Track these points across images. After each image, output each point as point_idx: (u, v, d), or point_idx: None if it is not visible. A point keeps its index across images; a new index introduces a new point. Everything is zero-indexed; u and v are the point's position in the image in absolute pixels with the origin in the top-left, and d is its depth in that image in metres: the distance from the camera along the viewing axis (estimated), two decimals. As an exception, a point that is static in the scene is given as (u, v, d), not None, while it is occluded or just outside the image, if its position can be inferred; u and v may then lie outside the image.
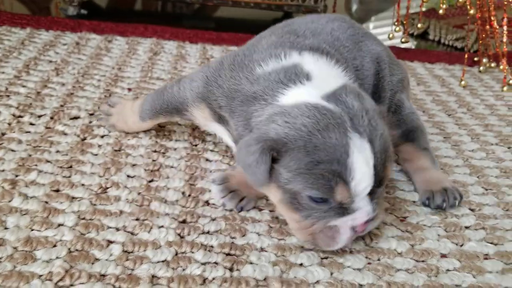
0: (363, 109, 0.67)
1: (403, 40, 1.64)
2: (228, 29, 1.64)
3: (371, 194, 0.66)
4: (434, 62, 1.60)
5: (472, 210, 0.86)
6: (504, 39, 1.39)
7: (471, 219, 0.83)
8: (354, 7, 2.69)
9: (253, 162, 0.64)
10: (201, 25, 1.74)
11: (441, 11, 1.50)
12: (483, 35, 1.50)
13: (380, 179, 0.67)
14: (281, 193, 0.67)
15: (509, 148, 1.09)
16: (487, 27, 1.48)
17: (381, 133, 0.67)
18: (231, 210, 0.78)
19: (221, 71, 0.78)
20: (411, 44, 1.93)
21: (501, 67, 1.42)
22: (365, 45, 0.89)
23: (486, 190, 0.92)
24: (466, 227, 0.81)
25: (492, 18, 1.40)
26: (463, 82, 1.42)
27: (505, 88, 1.42)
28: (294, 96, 0.69)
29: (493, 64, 1.53)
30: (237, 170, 0.80)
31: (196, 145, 0.95)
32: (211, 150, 0.94)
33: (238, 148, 0.69)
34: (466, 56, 1.44)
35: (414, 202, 0.87)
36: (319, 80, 0.71)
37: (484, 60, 1.53)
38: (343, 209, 0.65)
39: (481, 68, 1.54)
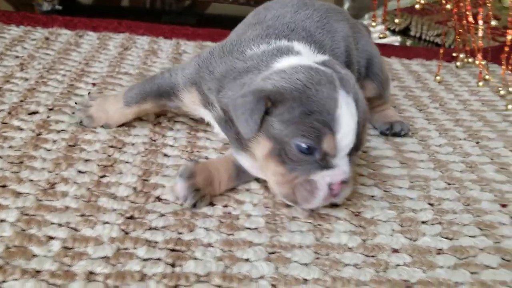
0: (349, 76, 0.74)
1: (381, 35, 1.63)
2: (216, 26, 1.62)
3: (349, 156, 0.72)
4: (412, 58, 1.58)
5: (431, 204, 0.85)
6: (480, 34, 1.37)
7: (428, 214, 0.82)
8: (347, 4, 2.68)
9: (247, 110, 0.68)
10: (190, 22, 1.74)
11: (417, 6, 1.49)
12: (460, 30, 1.49)
13: (358, 142, 0.72)
14: (271, 144, 0.71)
15: (477, 143, 1.08)
16: (464, 22, 1.46)
17: (363, 98, 0.74)
18: (181, 205, 0.77)
19: (212, 59, 0.83)
20: (393, 40, 1.92)
21: (477, 62, 1.40)
22: (331, 26, 0.94)
23: (449, 184, 0.91)
24: (423, 222, 0.80)
25: (468, 13, 1.39)
26: (438, 78, 1.41)
27: (480, 83, 1.40)
28: (288, 62, 0.75)
29: (470, 60, 1.51)
30: (201, 165, 0.79)
31: (155, 140, 0.93)
32: (171, 145, 0.92)
33: (233, 100, 0.72)
34: (441, 51, 1.42)
35: (372, 196, 0.85)
36: (309, 55, 0.79)
37: (462, 55, 1.52)
38: (325, 163, 0.70)
39: (458, 63, 1.53)
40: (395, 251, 0.73)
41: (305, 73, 0.71)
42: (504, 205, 0.87)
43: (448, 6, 1.46)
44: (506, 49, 1.33)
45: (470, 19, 1.39)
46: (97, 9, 1.95)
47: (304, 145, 0.68)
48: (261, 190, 0.82)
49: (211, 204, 0.78)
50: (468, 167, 0.98)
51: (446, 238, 0.77)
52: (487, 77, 1.41)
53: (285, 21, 0.89)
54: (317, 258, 0.70)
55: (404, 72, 1.46)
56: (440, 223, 0.80)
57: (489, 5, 1.36)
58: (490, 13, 1.39)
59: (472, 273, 0.70)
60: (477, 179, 0.94)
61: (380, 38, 1.63)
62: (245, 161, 0.79)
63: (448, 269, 0.71)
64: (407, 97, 1.28)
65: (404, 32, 1.99)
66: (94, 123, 0.93)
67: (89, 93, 1.03)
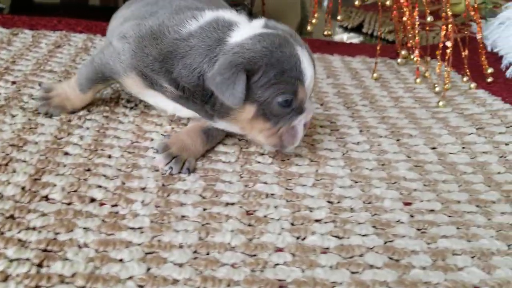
0: (292, 30, 0.86)
1: (325, 33, 1.62)
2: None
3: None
4: (355, 55, 1.58)
5: (330, 202, 0.84)
6: (416, 30, 1.37)
7: (323, 212, 0.81)
8: (325, 2, 2.67)
9: (230, 84, 0.77)
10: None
11: (357, 3, 1.48)
12: (400, 27, 1.48)
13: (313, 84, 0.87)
14: (255, 107, 0.82)
15: (397, 140, 1.07)
16: (404, 18, 1.45)
17: (307, 46, 0.87)
18: (172, 174, 0.86)
19: (144, 42, 0.87)
20: (344, 37, 1.91)
21: (415, 58, 1.40)
22: None
23: (356, 182, 0.90)
24: (316, 220, 0.79)
25: (405, 9, 1.38)
26: (375, 75, 1.40)
27: (418, 80, 1.40)
28: (239, 35, 0.83)
29: (412, 56, 1.50)
30: (173, 137, 0.91)
31: (60, 138, 0.92)
32: (74, 144, 0.91)
33: (212, 79, 0.79)
34: (378, 47, 1.41)
35: (272, 194, 0.84)
36: (246, 22, 0.87)
37: (403, 52, 1.51)
38: (299, 109, 0.84)
39: (399, 60, 1.52)
40: (279, 250, 0.72)
41: (266, 41, 0.81)
42: (407, 203, 0.86)
43: (388, 3, 1.45)
44: (441, 45, 1.32)
45: (407, 15, 1.38)
46: (63, 8, 1.92)
47: (285, 100, 0.81)
48: (156, 189, 0.81)
49: (100, 203, 0.77)
50: (381, 164, 0.97)
51: (336, 236, 0.76)
52: (426, 74, 1.40)
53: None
54: (195, 258, 0.69)
55: (343, 69, 1.45)
56: (333, 221, 0.79)
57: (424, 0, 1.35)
58: (427, 10, 1.38)
59: (353, 272, 0.69)
60: (386, 177, 0.93)
61: (325, 36, 1.63)
62: (224, 126, 0.89)
63: (329, 268, 0.70)
64: (338, 95, 1.27)
65: (359, 30, 1.98)
66: (62, 111, 0.99)
67: (39, 84, 1.08)
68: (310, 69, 0.84)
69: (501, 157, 1.03)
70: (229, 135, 0.97)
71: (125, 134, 0.96)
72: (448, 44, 1.25)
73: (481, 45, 1.35)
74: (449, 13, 1.25)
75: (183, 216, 0.76)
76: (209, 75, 0.81)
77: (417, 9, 1.36)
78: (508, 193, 0.91)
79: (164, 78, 0.87)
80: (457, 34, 1.39)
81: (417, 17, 1.36)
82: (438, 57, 1.35)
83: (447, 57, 1.30)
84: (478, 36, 1.34)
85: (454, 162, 1.00)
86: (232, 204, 0.81)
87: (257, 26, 0.86)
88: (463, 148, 1.05)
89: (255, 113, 0.83)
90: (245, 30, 0.84)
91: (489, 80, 1.38)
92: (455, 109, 1.23)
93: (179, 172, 0.86)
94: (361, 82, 1.37)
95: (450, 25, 1.25)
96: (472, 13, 1.30)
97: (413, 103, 1.27)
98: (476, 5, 1.34)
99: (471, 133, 1.11)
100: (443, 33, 1.29)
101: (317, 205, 0.83)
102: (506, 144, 1.07)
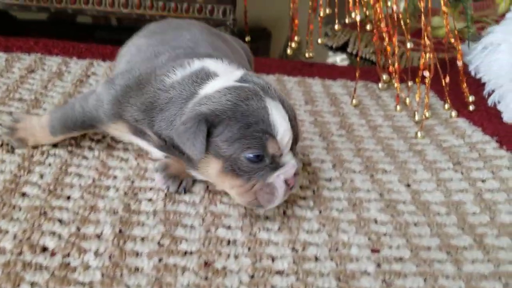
0: (267, 83, 0.82)
1: (306, 55, 1.60)
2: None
3: (291, 150, 0.81)
4: (337, 78, 1.55)
5: (295, 250, 0.81)
6: (395, 53, 1.34)
7: (285, 262, 0.78)
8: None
9: (191, 135, 0.75)
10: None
11: (336, 27, 1.46)
12: (381, 51, 1.45)
13: (296, 135, 0.82)
14: (221, 162, 0.78)
15: (371, 176, 1.04)
16: (385, 42, 1.42)
17: (285, 97, 0.83)
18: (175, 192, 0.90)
19: (130, 92, 0.86)
20: (337, 59, 1.88)
21: (395, 84, 1.37)
22: (226, 39, 1.10)
23: (324, 226, 0.87)
24: (278, 272, 0.76)
25: (384, 34, 1.35)
26: (354, 101, 1.37)
27: (398, 107, 1.37)
28: (211, 87, 0.81)
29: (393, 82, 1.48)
30: (172, 159, 0.92)
31: (19, 176, 0.89)
32: (34, 183, 0.88)
33: (176, 130, 0.78)
34: (357, 73, 1.38)
35: (235, 241, 0.81)
36: (226, 74, 0.84)
37: (385, 76, 1.48)
38: (275, 164, 0.78)
39: (380, 85, 1.49)
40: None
41: (232, 93, 0.78)
42: (375, 250, 0.83)
43: (368, 27, 1.43)
44: (420, 73, 1.29)
45: (386, 40, 1.35)
46: (50, 25, 1.88)
47: (252, 155, 0.76)
48: (112, 235, 0.78)
49: (52, 254, 0.74)
50: (352, 205, 0.94)
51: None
52: (407, 100, 1.38)
53: (187, 38, 0.98)
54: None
55: (322, 94, 1.42)
56: (296, 272, 0.76)
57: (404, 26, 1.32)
58: (408, 36, 1.36)
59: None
60: (356, 220, 0.90)
61: (306, 58, 1.60)
62: (201, 177, 0.87)
63: None
64: (315, 123, 1.24)
65: (344, 49, 1.95)
66: (23, 145, 0.96)
67: (11, 113, 1.06)
68: (282, 121, 0.78)
69: (477, 195, 1.01)
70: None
71: (87, 171, 0.93)
72: (426, 74, 1.22)
73: (461, 72, 1.32)
74: (427, 42, 1.22)
75: (136, 269, 0.73)
76: (175, 126, 0.80)
77: (395, 37, 1.33)
78: (481, 237, 0.89)
79: (147, 128, 0.85)
80: (440, 55, 1.36)
81: (396, 43, 1.33)
82: (418, 83, 1.31)
83: (426, 85, 1.27)
84: (459, 63, 1.31)
85: (428, 201, 0.98)
86: (191, 253, 0.78)
87: (232, 79, 0.83)
88: (438, 185, 1.03)
89: (222, 168, 0.78)
90: (218, 82, 0.82)
91: (471, 108, 1.35)
92: (433, 140, 1.20)
93: (177, 191, 0.90)
94: (340, 108, 1.34)
95: (427, 54, 1.22)
96: (452, 40, 1.27)
97: (391, 133, 1.24)
98: (456, 31, 1.31)
99: (448, 169, 1.08)
100: (422, 61, 1.26)
101: (280, 254, 0.80)
102: (483, 181, 1.05)
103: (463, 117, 1.33)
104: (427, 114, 1.31)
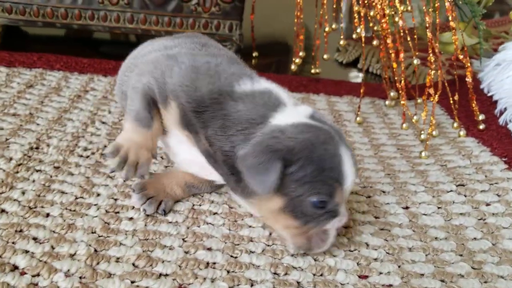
0: (338, 128, 0.80)
1: (312, 71, 1.56)
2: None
3: None
4: (343, 95, 1.50)
5: (276, 274, 0.77)
6: (402, 69, 1.29)
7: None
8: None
9: (262, 170, 0.70)
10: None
11: (342, 42, 1.42)
12: (388, 67, 1.41)
13: None
14: (284, 201, 0.74)
15: (368, 197, 0.99)
16: (392, 59, 1.38)
17: (351, 149, 0.79)
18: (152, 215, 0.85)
19: (198, 73, 0.82)
20: (343, 74, 1.84)
21: (401, 102, 1.32)
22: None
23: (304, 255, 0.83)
24: None
25: (391, 51, 1.31)
26: (358, 118, 1.33)
27: (404, 125, 1.32)
28: (283, 118, 0.76)
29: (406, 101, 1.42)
30: (154, 178, 0.89)
31: (1, 193, 0.87)
32: (14, 200, 0.86)
33: (242, 159, 0.73)
34: (362, 90, 1.34)
35: (214, 264, 0.77)
36: (291, 105, 0.81)
37: (392, 93, 1.43)
38: (334, 212, 0.75)
39: (387, 102, 1.44)
40: None
41: (311, 133, 0.74)
42: (363, 277, 0.79)
43: (374, 43, 1.39)
44: (427, 90, 1.24)
45: (392, 56, 1.31)
46: (67, 40, 1.89)
47: (320, 201, 0.73)
48: (85, 256, 0.75)
49: (21, 273, 0.71)
50: (343, 227, 0.89)
51: None
52: (415, 118, 1.32)
53: (216, 51, 0.95)
54: None
55: (325, 111, 1.38)
56: None
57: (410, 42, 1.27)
58: (416, 52, 1.31)
59: None
60: (346, 243, 0.85)
61: (312, 74, 1.57)
62: (245, 205, 0.84)
63: None
64: (314, 142, 1.20)
65: (355, 65, 1.90)
66: (145, 168, 0.83)
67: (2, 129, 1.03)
68: (351, 173, 0.75)
69: (479, 219, 0.95)
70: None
71: (71, 188, 0.91)
72: (431, 91, 1.17)
73: (470, 90, 1.26)
74: (432, 58, 1.17)
75: (109, 295, 0.70)
76: (241, 153, 0.74)
77: (402, 53, 1.28)
78: (480, 264, 0.83)
79: (199, 127, 0.80)
80: (456, 71, 1.31)
81: (403, 59, 1.29)
82: (424, 101, 1.26)
83: (433, 103, 1.22)
84: (468, 80, 1.25)
85: (426, 225, 0.92)
86: (166, 275, 0.74)
87: (303, 113, 0.79)
88: (439, 208, 0.97)
89: (283, 207, 0.74)
90: (290, 114, 0.78)
91: (481, 127, 1.29)
92: (438, 160, 1.15)
93: (155, 213, 0.86)
94: (343, 126, 1.30)
95: (433, 71, 1.17)
96: (461, 56, 1.22)
97: (395, 152, 1.19)
98: (465, 47, 1.26)
99: (450, 191, 1.02)
100: (428, 78, 1.21)
101: (260, 278, 0.76)
102: (487, 205, 0.99)
103: (472, 137, 1.27)
104: (434, 133, 1.26)
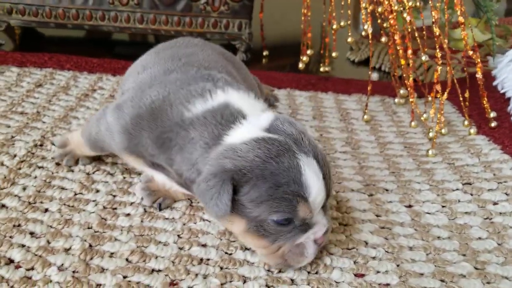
0: (300, 133, 0.72)
1: (321, 69, 1.55)
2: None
3: (323, 207, 0.73)
4: (351, 93, 1.49)
5: (270, 272, 0.76)
6: (410, 66, 1.27)
7: (256, 285, 0.73)
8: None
9: (214, 194, 0.67)
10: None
11: (349, 39, 1.40)
12: (396, 65, 1.38)
13: (328, 192, 0.73)
14: (245, 222, 0.70)
15: (370, 195, 0.97)
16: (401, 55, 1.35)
17: (320, 149, 0.74)
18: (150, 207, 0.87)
19: (142, 122, 0.79)
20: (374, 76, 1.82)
21: (410, 99, 1.29)
22: (238, 65, 1.04)
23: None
24: None
25: (398, 47, 1.28)
26: (366, 116, 1.31)
27: (413, 124, 1.29)
28: (238, 135, 0.72)
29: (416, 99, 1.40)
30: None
31: (3, 189, 0.88)
32: (15, 195, 0.87)
33: (197, 186, 0.71)
34: (369, 87, 1.32)
35: (208, 260, 0.77)
36: (252, 116, 0.76)
37: (402, 91, 1.41)
38: (305, 226, 0.70)
39: (396, 100, 1.41)
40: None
41: (261, 149, 0.69)
42: (360, 275, 0.77)
43: (383, 39, 1.37)
44: (435, 87, 1.21)
45: (400, 53, 1.28)
46: (83, 42, 1.91)
47: (281, 219, 0.69)
48: (79, 250, 0.76)
49: (16, 267, 0.72)
50: (342, 225, 0.88)
51: None
52: (424, 116, 1.29)
53: (200, 57, 0.91)
54: None
55: (333, 110, 1.36)
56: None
57: (419, 39, 1.25)
58: (425, 48, 1.29)
59: None
60: (344, 241, 0.83)
61: (321, 72, 1.55)
62: (225, 228, 0.82)
63: None
64: (319, 139, 1.19)
65: (367, 64, 1.87)
66: (74, 161, 0.98)
67: (52, 143, 1.04)
68: (316, 182, 0.69)
69: (485, 219, 0.92)
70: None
71: (71, 185, 0.92)
72: (438, 88, 1.15)
73: (481, 86, 1.23)
74: (439, 54, 1.15)
75: (98, 285, 0.70)
76: (196, 180, 0.72)
77: (410, 49, 1.26)
78: (483, 264, 0.80)
79: (166, 165, 0.79)
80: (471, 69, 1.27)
81: (410, 56, 1.27)
82: (432, 98, 1.23)
83: (440, 100, 1.19)
84: (478, 76, 1.22)
85: (428, 224, 0.90)
86: (158, 271, 0.74)
87: (259, 126, 0.74)
88: (443, 207, 0.95)
89: (246, 228, 0.71)
90: (245, 129, 0.73)
91: (493, 124, 1.26)
92: (445, 159, 1.12)
93: (151, 206, 0.87)
94: (349, 124, 1.28)
95: (440, 68, 1.15)
96: (471, 52, 1.19)
97: (401, 151, 1.17)
98: (475, 44, 1.23)
99: (456, 189, 0.99)
100: (435, 74, 1.19)
101: (253, 275, 0.75)
102: (495, 204, 0.96)
103: (483, 135, 1.23)
104: (443, 131, 1.23)
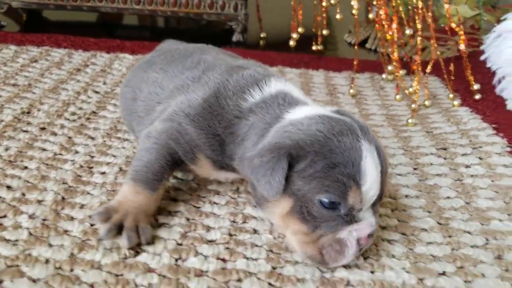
0: (366, 126, 0.69)
1: (313, 47, 1.57)
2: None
3: (373, 206, 0.67)
4: (342, 71, 1.50)
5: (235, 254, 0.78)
6: (395, 43, 1.28)
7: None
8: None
9: (268, 170, 0.64)
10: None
11: (338, 16, 1.42)
12: (384, 41, 1.40)
13: (381, 192, 0.68)
14: (292, 201, 0.66)
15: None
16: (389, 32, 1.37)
17: (382, 146, 0.70)
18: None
19: (202, 120, 0.75)
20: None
21: (395, 74, 1.30)
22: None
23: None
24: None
25: (384, 23, 1.30)
26: (352, 91, 1.32)
27: (397, 97, 1.30)
28: (302, 112, 0.70)
29: (401, 72, 1.41)
30: (116, 199, 0.74)
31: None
32: (-2, 155, 0.91)
33: (249, 161, 0.67)
34: (355, 62, 1.33)
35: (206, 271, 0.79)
36: (313, 103, 0.75)
37: (390, 67, 1.42)
38: (350, 217, 0.65)
39: (384, 75, 1.43)
40: None
41: (325, 124, 0.66)
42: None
43: (370, 16, 1.38)
44: (418, 59, 1.22)
45: (386, 28, 1.30)
46: (99, 26, 1.97)
47: (328, 201, 0.64)
48: (51, 201, 0.79)
49: (-11, 214, 0.76)
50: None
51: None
52: (410, 89, 1.30)
53: (219, 58, 0.88)
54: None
55: (321, 85, 1.38)
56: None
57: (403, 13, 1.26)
58: (410, 23, 1.30)
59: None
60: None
61: (314, 51, 1.57)
62: (265, 217, 0.77)
63: None
64: (302, 111, 1.20)
65: (364, 45, 1.89)
66: (135, 232, 0.70)
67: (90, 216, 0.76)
68: (374, 171, 0.65)
69: (456, 180, 0.93)
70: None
71: (52, 146, 0.95)
72: (417, 58, 1.16)
73: (464, 58, 1.23)
74: (419, 26, 1.16)
75: (65, 231, 0.73)
76: (248, 155, 0.68)
77: (395, 23, 1.27)
78: (447, 220, 0.81)
79: (231, 159, 0.76)
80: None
81: (395, 31, 1.28)
82: (417, 70, 1.24)
83: (425, 73, 1.20)
84: (462, 48, 1.23)
85: (398, 184, 0.91)
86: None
87: (326, 109, 0.72)
88: (415, 169, 0.96)
89: (291, 208, 0.66)
90: (310, 108, 0.71)
91: (477, 97, 1.26)
92: (424, 127, 1.13)
93: (137, 245, 0.70)
94: (335, 98, 1.30)
95: (418, 38, 1.16)
96: (453, 25, 1.20)
97: (383, 121, 1.18)
98: (459, 17, 1.23)
99: (430, 154, 1.01)
100: (417, 47, 1.20)
101: (218, 225, 0.77)
102: (467, 167, 0.96)
103: (466, 106, 1.24)
104: (426, 103, 1.24)
